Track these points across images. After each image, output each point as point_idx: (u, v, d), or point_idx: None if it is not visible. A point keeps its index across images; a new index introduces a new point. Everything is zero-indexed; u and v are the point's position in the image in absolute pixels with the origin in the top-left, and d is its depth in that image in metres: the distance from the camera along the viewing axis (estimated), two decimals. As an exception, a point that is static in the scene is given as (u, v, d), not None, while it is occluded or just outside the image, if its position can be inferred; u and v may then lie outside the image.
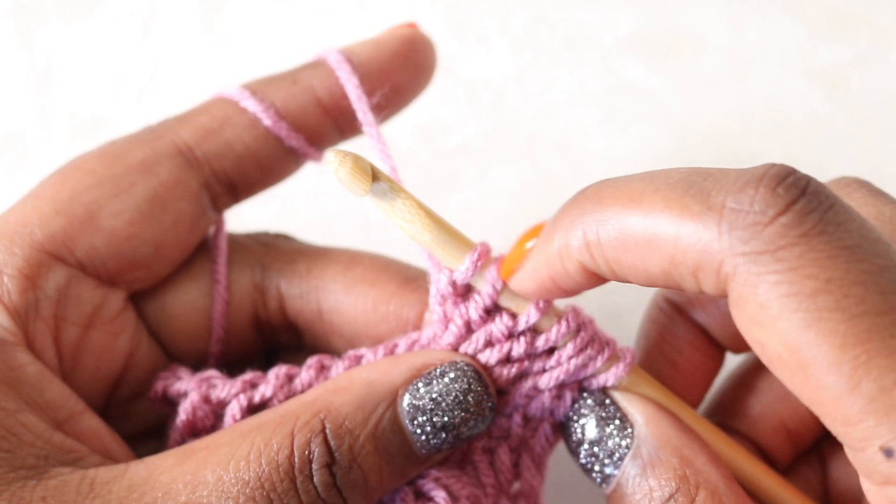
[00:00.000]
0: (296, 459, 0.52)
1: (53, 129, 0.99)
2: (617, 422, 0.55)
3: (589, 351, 0.56)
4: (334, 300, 0.65)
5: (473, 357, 0.57)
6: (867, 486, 0.45)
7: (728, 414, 0.62)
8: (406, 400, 0.55)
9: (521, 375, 0.58)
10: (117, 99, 1.00)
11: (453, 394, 0.55)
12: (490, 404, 0.56)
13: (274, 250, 0.67)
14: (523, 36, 1.02)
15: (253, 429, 0.54)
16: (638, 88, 1.00)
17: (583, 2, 1.02)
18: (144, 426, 0.66)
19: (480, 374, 0.56)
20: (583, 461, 0.56)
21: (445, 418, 0.55)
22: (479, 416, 0.55)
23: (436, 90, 1.00)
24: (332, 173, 0.53)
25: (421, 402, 0.55)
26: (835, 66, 1.00)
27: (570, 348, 0.56)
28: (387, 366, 0.56)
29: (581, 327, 0.56)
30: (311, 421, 0.53)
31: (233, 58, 1.02)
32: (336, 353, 0.65)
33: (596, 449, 0.55)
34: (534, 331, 0.57)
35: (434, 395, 0.55)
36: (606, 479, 0.54)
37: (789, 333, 0.43)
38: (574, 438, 0.56)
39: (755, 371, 0.61)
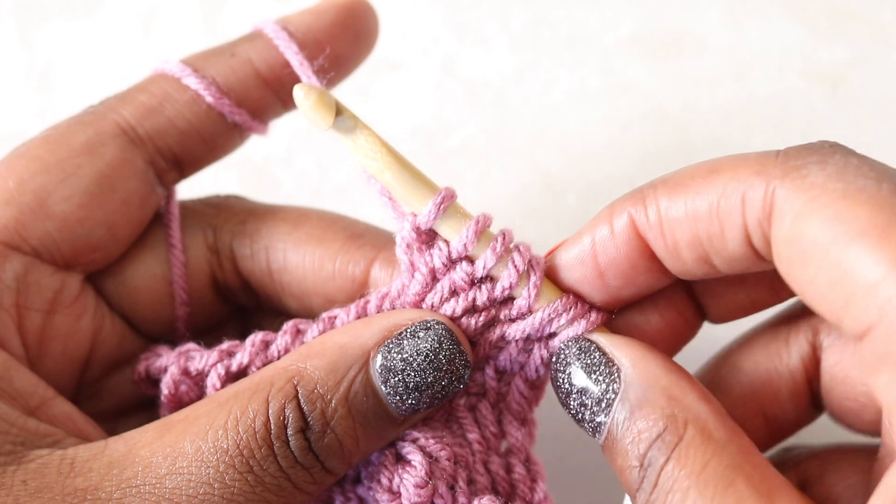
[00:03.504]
0: (272, 426, 0.53)
1: (54, 129, 0.99)
2: (603, 367, 0.54)
3: (558, 304, 0.56)
4: (282, 259, 0.65)
5: (450, 317, 0.57)
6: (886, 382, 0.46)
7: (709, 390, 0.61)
8: (378, 361, 0.55)
9: (490, 324, 0.58)
10: (118, 99, 1.00)
11: (424, 353, 0.55)
12: (463, 362, 0.56)
13: (224, 211, 0.68)
14: (523, 36, 1.02)
15: (230, 398, 0.54)
16: (638, 88, 1.00)
17: (583, 2, 1.02)
18: (120, 403, 0.66)
19: (452, 331, 0.56)
20: (573, 411, 0.55)
21: (418, 378, 0.54)
22: (453, 374, 0.55)
23: (436, 90, 1.01)
24: (297, 106, 0.54)
25: (392, 363, 0.54)
26: (835, 66, 1.00)
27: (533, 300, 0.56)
28: (359, 328, 0.56)
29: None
30: (285, 387, 0.54)
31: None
32: (288, 311, 0.66)
33: (584, 398, 0.54)
34: (492, 280, 0.57)
35: (405, 356, 0.55)
36: (598, 427, 0.53)
37: (828, 208, 0.47)
38: (562, 389, 0.55)
39: (742, 351, 0.61)
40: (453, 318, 0.57)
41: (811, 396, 0.60)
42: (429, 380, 0.55)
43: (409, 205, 0.56)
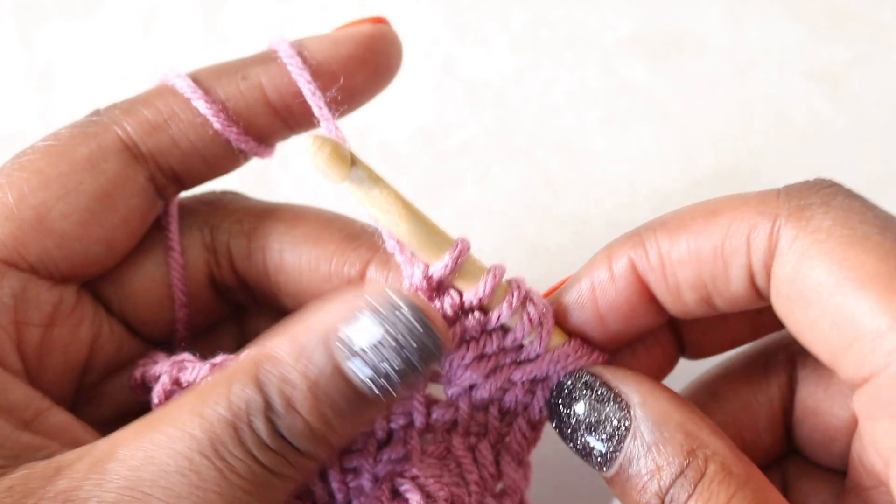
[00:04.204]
0: (236, 409, 0.51)
1: (54, 129, 0.99)
2: (612, 403, 0.53)
3: (566, 348, 0.56)
4: (278, 259, 0.64)
5: (418, 293, 0.55)
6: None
7: None
8: (344, 339, 0.52)
9: (496, 369, 0.57)
10: (118, 99, 1.00)
11: (392, 334, 0.51)
12: (433, 341, 0.52)
13: (220, 210, 0.67)
14: (523, 36, 1.02)
15: (203, 385, 0.53)
16: (638, 88, 1.00)
17: (583, 2, 1.02)
18: (119, 408, 0.65)
19: (421, 309, 0.52)
20: (580, 446, 0.54)
21: (388, 357, 0.51)
22: (422, 352, 0.52)
23: (436, 90, 1.01)
24: (309, 158, 0.53)
25: (359, 342, 0.52)
26: (835, 66, 1.00)
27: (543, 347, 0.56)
28: (325, 307, 0.54)
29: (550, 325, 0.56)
30: (248, 368, 0.52)
31: (233, 58, 1.02)
32: (287, 311, 0.64)
33: (593, 432, 0.53)
34: (503, 329, 0.56)
35: (373, 334, 0.52)
36: (607, 462, 0.53)
37: (834, 253, 0.47)
38: (568, 422, 0.54)
39: (722, 380, 0.61)
40: (431, 300, 0.56)
41: (784, 428, 0.61)
42: (398, 359, 0.51)
43: (422, 255, 0.55)
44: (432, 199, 0.97)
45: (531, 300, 0.56)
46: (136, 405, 0.65)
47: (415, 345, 0.52)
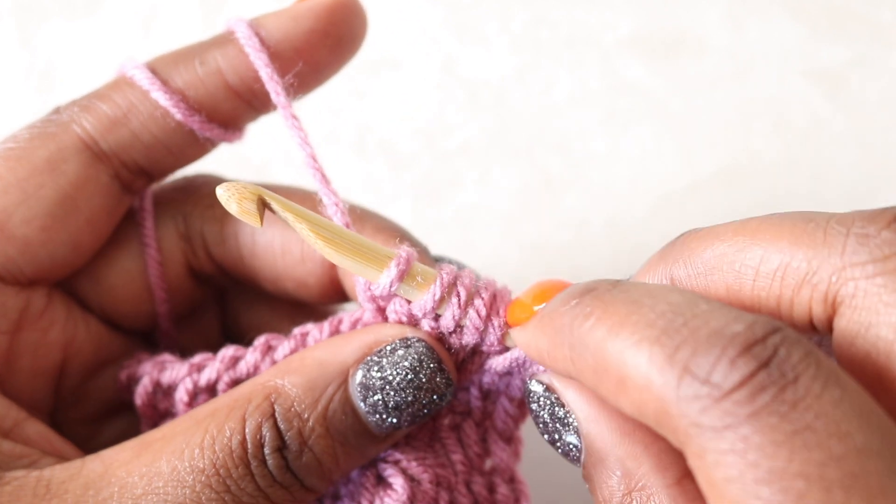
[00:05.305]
0: (248, 445, 0.52)
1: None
2: (565, 421, 0.52)
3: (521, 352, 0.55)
4: (251, 243, 0.63)
5: (429, 331, 0.55)
6: None
7: None
8: (357, 379, 0.53)
9: (466, 359, 0.57)
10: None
11: (404, 371, 0.53)
12: (444, 380, 0.54)
13: (192, 196, 0.66)
14: (523, 36, 1.02)
15: (207, 415, 0.53)
16: (638, 88, 1.00)
17: (583, 2, 1.02)
18: (105, 405, 0.65)
19: (433, 349, 0.54)
20: (548, 439, 0.53)
21: (398, 397, 0.53)
22: (434, 392, 0.53)
23: (436, 90, 1.01)
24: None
25: (372, 382, 0.53)
26: (835, 66, 1.00)
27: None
28: (338, 344, 0.55)
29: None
30: (262, 404, 0.53)
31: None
32: (267, 293, 0.65)
33: (557, 444, 0.52)
34: (459, 327, 0.55)
35: (385, 374, 0.53)
36: (572, 459, 0.52)
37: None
38: (536, 419, 0.54)
39: None
40: (441, 340, 0.56)
41: None
42: (409, 399, 0.53)
43: (363, 276, 0.54)
44: (432, 199, 0.97)
45: (479, 295, 0.54)
46: (122, 401, 0.65)
47: (426, 384, 0.53)
